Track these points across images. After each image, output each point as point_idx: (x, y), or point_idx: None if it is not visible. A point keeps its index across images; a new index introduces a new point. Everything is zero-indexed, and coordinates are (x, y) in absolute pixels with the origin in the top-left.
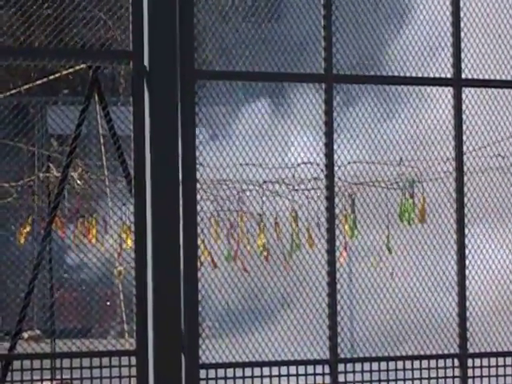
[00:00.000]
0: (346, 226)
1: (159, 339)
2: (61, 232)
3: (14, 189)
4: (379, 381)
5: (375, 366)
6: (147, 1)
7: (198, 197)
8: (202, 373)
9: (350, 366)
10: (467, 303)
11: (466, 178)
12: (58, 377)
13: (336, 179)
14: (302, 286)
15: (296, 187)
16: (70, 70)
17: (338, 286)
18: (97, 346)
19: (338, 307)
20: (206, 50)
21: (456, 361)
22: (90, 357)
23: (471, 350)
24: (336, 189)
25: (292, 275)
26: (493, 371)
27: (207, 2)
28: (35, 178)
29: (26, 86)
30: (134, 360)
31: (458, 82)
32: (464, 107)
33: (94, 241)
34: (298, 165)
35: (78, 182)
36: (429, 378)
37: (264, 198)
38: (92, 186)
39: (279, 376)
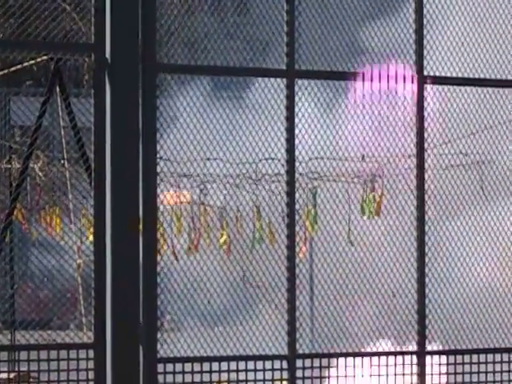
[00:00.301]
0: (307, 222)
1: (117, 333)
2: (22, 224)
3: None
4: (337, 377)
5: (333, 362)
6: None
7: (159, 190)
8: (160, 367)
9: (308, 362)
10: (426, 301)
11: (426, 176)
12: (16, 369)
13: (297, 175)
14: (262, 280)
15: (257, 183)
16: (33, 62)
17: (298, 282)
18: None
19: (297, 303)
20: (169, 43)
21: (414, 358)
22: (48, 349)
23: (430, 348)
24: (297, 184)
25: (252, 270)
26: (451, 369)
27: None
28: None
29: None
30: (91, 353)
31: (419, 79)
32: (426, 104)
33: (54, 234)
34: (260, 160)
35: (40, 174)
36: (387, 375)
37: (225, 193)
38: (53, 179)
39: (237, 371)
